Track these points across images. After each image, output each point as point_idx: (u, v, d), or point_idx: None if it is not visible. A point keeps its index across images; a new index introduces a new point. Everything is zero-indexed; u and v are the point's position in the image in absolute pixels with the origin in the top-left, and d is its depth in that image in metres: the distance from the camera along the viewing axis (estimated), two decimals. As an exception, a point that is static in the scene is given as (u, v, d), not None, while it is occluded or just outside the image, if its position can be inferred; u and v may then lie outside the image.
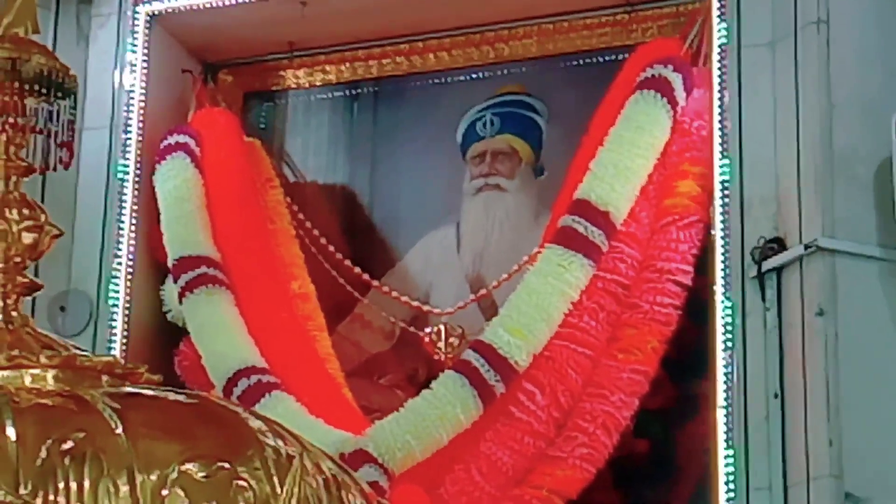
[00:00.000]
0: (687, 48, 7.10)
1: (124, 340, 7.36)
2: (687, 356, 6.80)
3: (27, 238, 3.01)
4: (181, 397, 2.84)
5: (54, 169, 3.13)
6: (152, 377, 3.01)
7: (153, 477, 2.51)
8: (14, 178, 3.05)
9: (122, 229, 7.51)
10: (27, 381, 2.82)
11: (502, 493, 6.67)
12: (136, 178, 7.58)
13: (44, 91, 3.05)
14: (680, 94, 6.96)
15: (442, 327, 7.44)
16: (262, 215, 7.73)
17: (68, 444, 2.55)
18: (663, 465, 6.97)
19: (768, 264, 6.46)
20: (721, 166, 6.69)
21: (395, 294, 7.68)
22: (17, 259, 3.02)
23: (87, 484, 2.50)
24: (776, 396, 6.32)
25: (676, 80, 6.97)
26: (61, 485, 2.51)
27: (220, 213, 7.59)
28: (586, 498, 6.70)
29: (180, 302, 7.40)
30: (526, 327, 6.73)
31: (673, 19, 7.45)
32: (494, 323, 6.87)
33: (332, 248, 7.74)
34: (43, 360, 2.85)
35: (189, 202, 7.56)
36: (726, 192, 6.64)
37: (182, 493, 2.49)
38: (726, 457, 6.35)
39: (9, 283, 3.01)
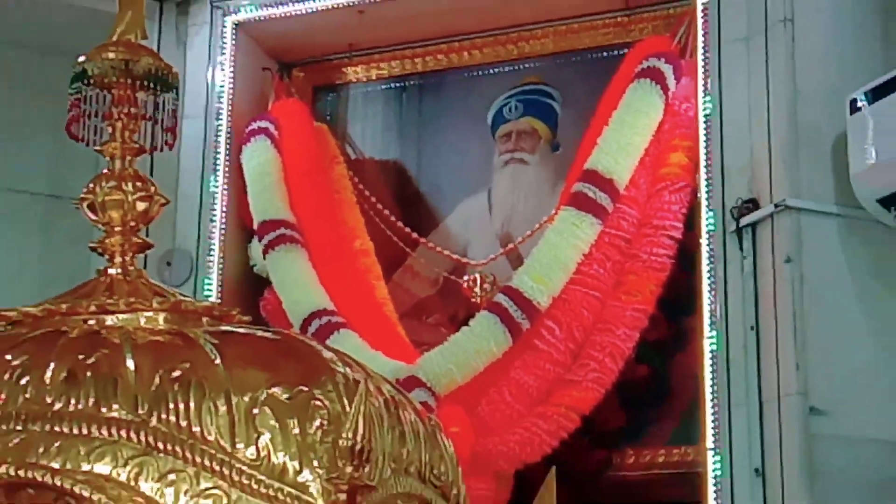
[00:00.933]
0: (676, 44, 7.06)
1: (219, 289, 7.38)
2: (679, 297, 6.77)
3: (140, 206, 3.00)
4: (267, 334, 2.84)
5: (161, 149, 3.12)
6: (243, 318, 3.00)
7: (246, 399, 2.50)
8: (129, 158, 3.04)
9: (215, 198, 7.53)
10: (142, 322, 2.81)
11: (528, 410, 6.67)
12: (227, 157, 7.59)
13: (151, 86, 3.03)
14: (671, 81, 6.92)
15: (477, 276, 7.43)
16: (330, 187, 7.73)
17: (177, 373, 2.55)
18: (660, 386, 6.95)
19: (745, 221, 6.42)
20: (705, 140, 6.64)
21: (438, 249, 7.67)
22: (132, 223, 3.01)
23: (192, 405, 2.51)
24: (752, 329, 6.30)
25: (668, 71, 6.92)
26: (171, 406, 2.51)
27: (295, 185, 7.59)
28: (597, 413, 6.70)
29: (264, 258, 7.42)
30: (546, 275, 6.71)
31: (664, 20, 7.40)
32: (520, 272, 6.86)
33: (386, 213, 7.74)
34: (155, 304, 2.85)
35: (270, 176, 7.56)
36: (710, 161, 6.60)
37: (269, 412, 2.48)
38: (711, 379, 6.33)
39: (126, 243, 3.00)
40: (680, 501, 6.77)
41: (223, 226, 7.48)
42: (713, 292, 6.42)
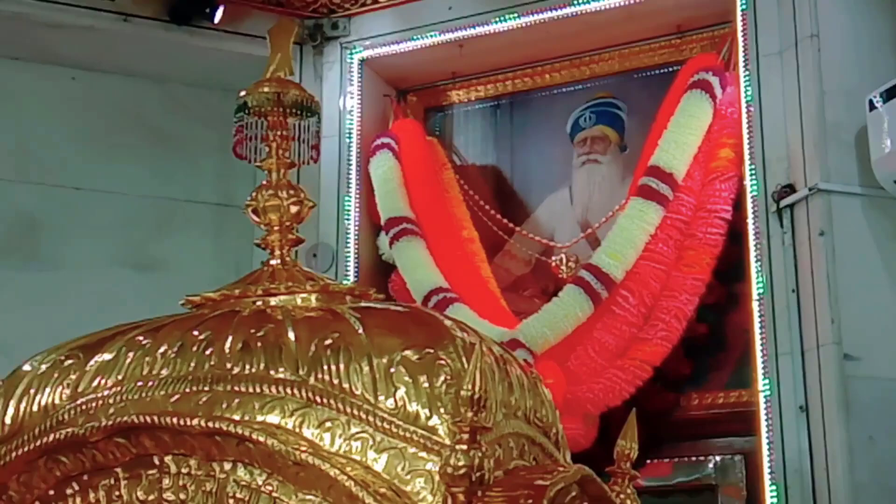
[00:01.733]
0: (721, 59, 6.96)
1: (355, 274, 7.44)
2: (730, 267, 6.69)
3: (293, 209, 3.03)
4: (398, 308, 2.85)
5: (307, 163, 3.14)
6: (378, 296, 3.02)
7: (384, 360, 2.51)
8: (282, 171, 3.07)
9: (349, 201, 7.59)
10: (298, 301, 2.84)
11: (609, 363, 6.64)
12: (358, 168, 7.65)
13: (298, 112, 3.06)
14: (718, 91, 6.83)
15: (563, 256, 7.41)
16: (441, 188, 7.75)
17: (329, 341, 2.56)
18: (718, 341, 6.87)
19: (784, 202, 6.33)
20: (748, 137, 6.55)
21: (530, 236, 7.66)
22: (287, 223, 3.04)
23: (342, 366, 2.52)
24: (793, 292, 6.21)
25: (715, 82, 6.83)
26: (325, 368, 2.53)
27: (413, 188, 7.62)
28: (666, 364, 6.65)
29: (390, 248, 7.46)
30: (620, 253, 6.68)
31: (711, 40, 7.30)
32: (599, 251, 6.83)
33: (487, 207, 7.74)
34: (308, 288, 2.87)
35: (392, 182, 7.60)
36: (752, 155, 6.51)
37: (404, 370, 2.49)
38: (760, 333, 6.26)
39: (283, 239, 3.03)
40: (737, 435, 6.71)
41: (357, 223, 7.55)
42: (759, 262, 6.34)
